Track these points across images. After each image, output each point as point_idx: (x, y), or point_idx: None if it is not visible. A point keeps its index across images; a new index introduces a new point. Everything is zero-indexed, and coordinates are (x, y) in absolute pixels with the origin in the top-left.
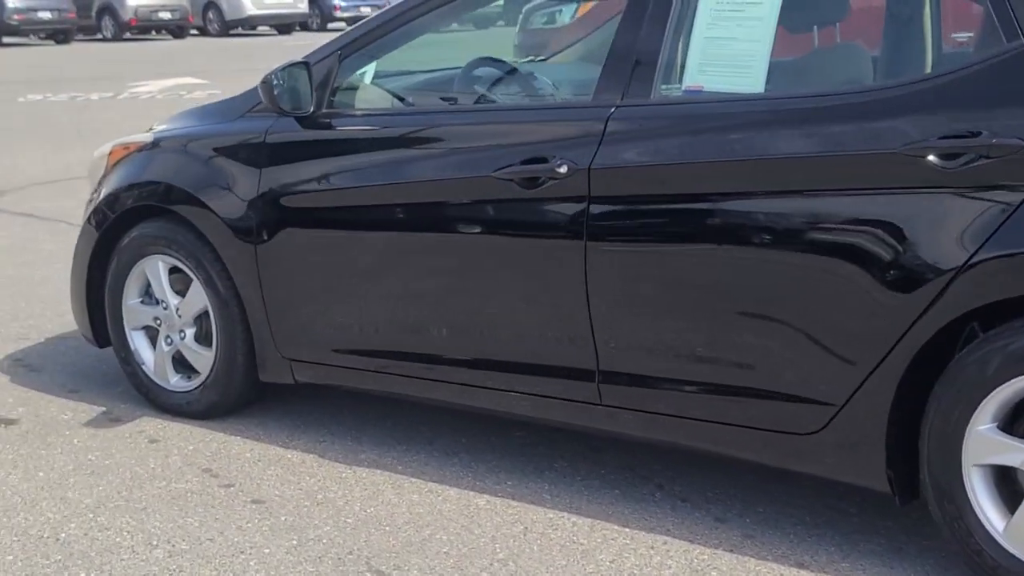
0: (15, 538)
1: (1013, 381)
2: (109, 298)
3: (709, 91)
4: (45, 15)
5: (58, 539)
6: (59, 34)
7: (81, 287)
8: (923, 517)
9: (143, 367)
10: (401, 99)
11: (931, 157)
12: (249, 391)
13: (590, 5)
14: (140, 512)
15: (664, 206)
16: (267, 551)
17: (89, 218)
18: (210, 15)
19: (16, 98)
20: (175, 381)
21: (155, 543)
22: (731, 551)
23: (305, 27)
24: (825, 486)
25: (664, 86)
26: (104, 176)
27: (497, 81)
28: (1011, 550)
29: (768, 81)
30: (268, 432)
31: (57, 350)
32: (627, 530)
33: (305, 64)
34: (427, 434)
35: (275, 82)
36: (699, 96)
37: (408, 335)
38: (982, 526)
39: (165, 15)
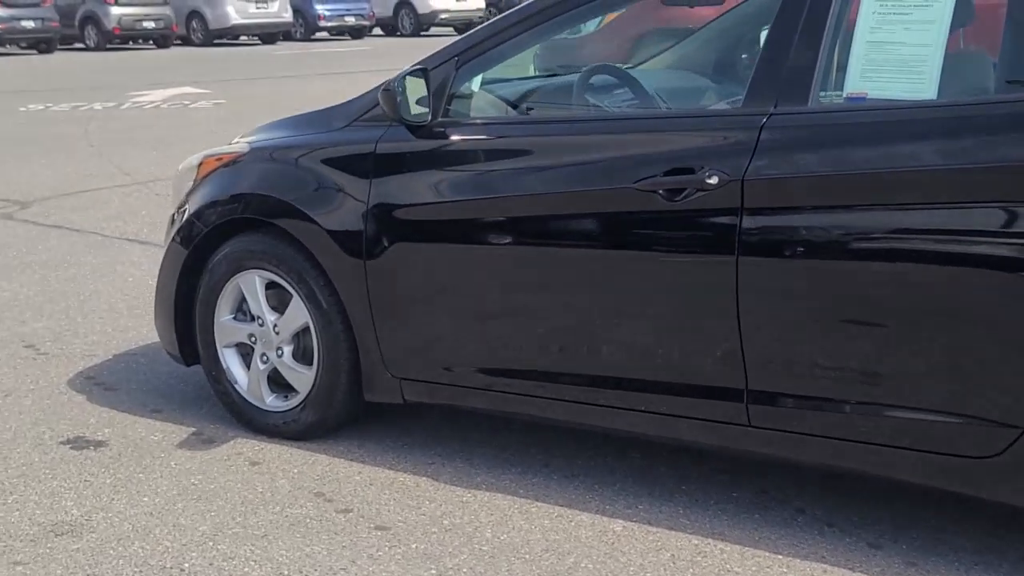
0: (135, 569)
1: None
2: (200, 315)
3: (875, 98)
4: (28, 24)
5: (182, 569)
6: (41, 43)
7: (169, 306)
8: None
9: (235, 386)
10: (515, 107)
11: None
12: (351, 411)
13: (616, 15)
14: (261, 540)
15: (828, 218)
16: None
17: (176, 235)
18: (194, 24)
19: (17, 108)
20: (271, 401)
21: (286, 573)
22: None
23: (289, 36)
24: (978, 509)
25: (823, 93)
26: (193, 189)
27: (618, 89)
28: None
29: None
30: (371, 453)
31: (128, 368)
32: (780, 557)
33: (424, 71)
34: (540, 456)
35: (398, 90)
36: (864, 103)
37: (530, 352)
38: None
39: (149, 24)
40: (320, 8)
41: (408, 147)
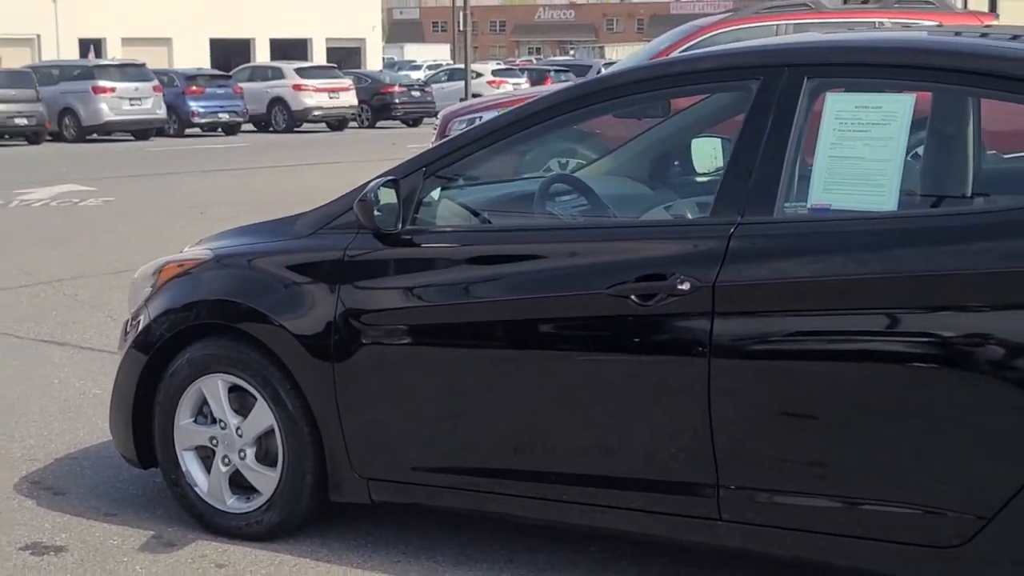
0: None
1: None
2: (159, 419)
3: (838, 209)
4: None
5: None
6: None
7: (126, 410)
8: None
9: (195, 488)
10: (479, 214)
11: None
12: (315, 511)
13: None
14: None
15: (796, 322)
16: None
17: (134, 341)
18: (67, 121)
19: None
20: (232, 503)
21: None
22: None
23: (162, 132)
24: None
25: (787, 204)
26: (153, 295)
27: (576, 198)
28: None
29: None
30: (335, 552)
31: (73, 471)
32: None
33: (395, 181)
34: (503, 552)
35: (374, 200)
36: (828, 214)
37: (498, 452)
38: None
39: (21, 121)
40: (194, 105)
41: (378, 254)
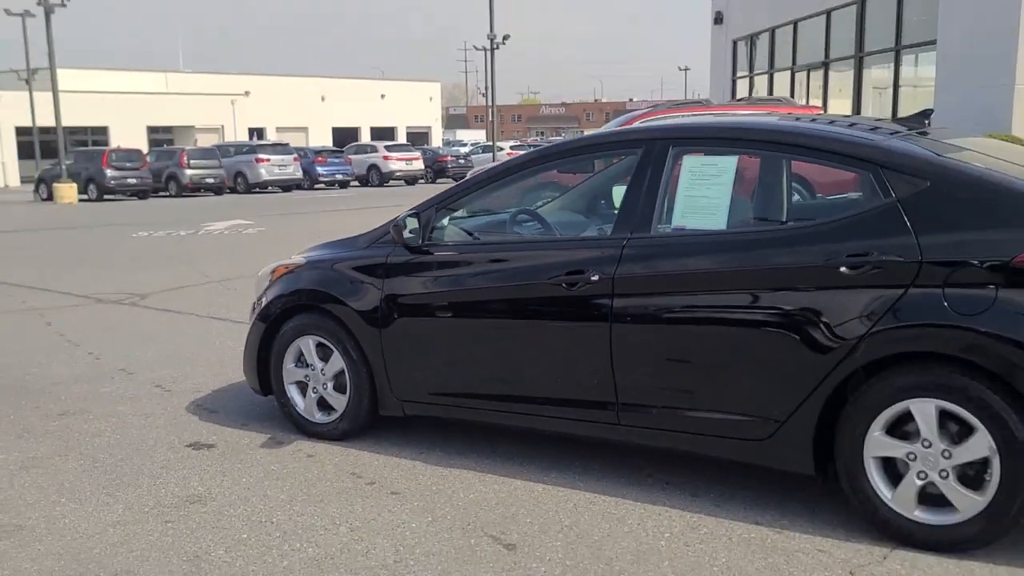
0: (243, 523)
1: (897, 404)
2: (274, 364)
3: (690, 229)
4: (132, 180)
5: (272, 522)
6: (140, 192)
7: (253, 358)
8: (827, 491)
9: (296, 408)
10: (470, 234)
11: (843, 268)
12: (370, 422)
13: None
14: (320, 503)
15: (664, 300)
16: (414, 525)
17: (258, 316)
18: (239, 179)
19: (130, 235)
20: (318, 416)
21: (338, 522)
22: (710, 515)
23: (299, 187)
24: (764, 475)
25: (659, 226)
26: (269, 286)
27: (533, 223)
28: (897, 509)
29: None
30: (383, 448)
31: (223, 398)
32: (639, 504)
33: (417, 213)
34: (488, 445)
35: (403, 225)
36: (684, 232)
37: (480, 382)
38: (877, 495)
39: (210, 180)
40: (320, 169)
41: (407, 260)
